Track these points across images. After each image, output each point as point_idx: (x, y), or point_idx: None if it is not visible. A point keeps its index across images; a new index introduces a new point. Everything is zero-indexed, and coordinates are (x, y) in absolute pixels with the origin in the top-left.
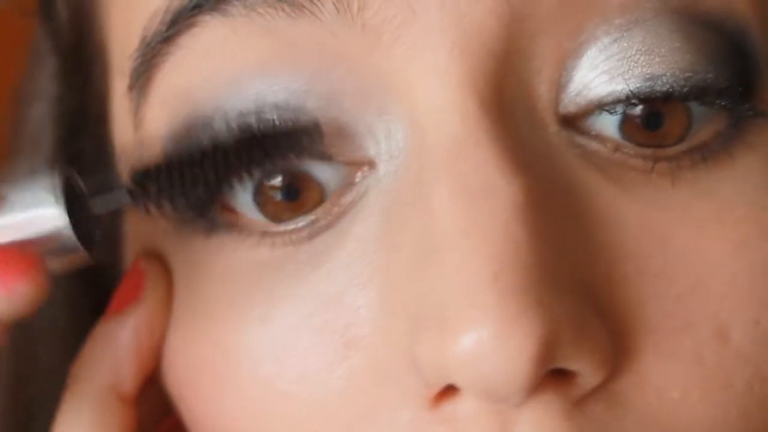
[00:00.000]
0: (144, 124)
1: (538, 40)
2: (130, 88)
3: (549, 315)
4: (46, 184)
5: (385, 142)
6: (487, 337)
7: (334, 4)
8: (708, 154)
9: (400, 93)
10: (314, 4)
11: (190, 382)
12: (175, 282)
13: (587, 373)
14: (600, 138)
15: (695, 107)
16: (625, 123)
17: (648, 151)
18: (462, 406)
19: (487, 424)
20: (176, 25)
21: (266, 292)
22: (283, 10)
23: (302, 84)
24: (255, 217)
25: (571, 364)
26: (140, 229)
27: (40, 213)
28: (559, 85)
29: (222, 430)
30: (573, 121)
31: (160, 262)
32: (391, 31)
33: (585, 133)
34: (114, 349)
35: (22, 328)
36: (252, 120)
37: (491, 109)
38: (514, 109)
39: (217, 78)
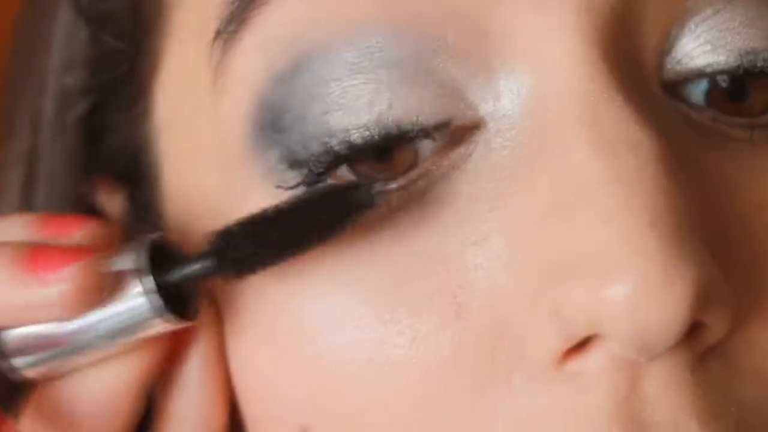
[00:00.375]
0: (230, 72)
1: (648, 4)
2: (218, 35)
3: (704, 263)
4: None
5: (496, 100)
6: (652, 280)
7: None
8: None
9: (522, 48)
10: None
11: (282, 361)
12: None
13: (717, 327)
14: (697, 108)
15: None
16: (712, 95)
17: (743, 120)
18: (591, 362)
19: (616, 378)
20: None
21: (366, 252)
22: None
23: (415, 40)
24: (346, 175)
25: (711, 317)
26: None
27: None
28: (663, 51)
29: (313, 409)
30: (673, 89)
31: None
32: None
33: (683, 101)
34: (189, 394)
35: None
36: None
37: (616, 68)
38: (629, 71)
39: (328, 25)
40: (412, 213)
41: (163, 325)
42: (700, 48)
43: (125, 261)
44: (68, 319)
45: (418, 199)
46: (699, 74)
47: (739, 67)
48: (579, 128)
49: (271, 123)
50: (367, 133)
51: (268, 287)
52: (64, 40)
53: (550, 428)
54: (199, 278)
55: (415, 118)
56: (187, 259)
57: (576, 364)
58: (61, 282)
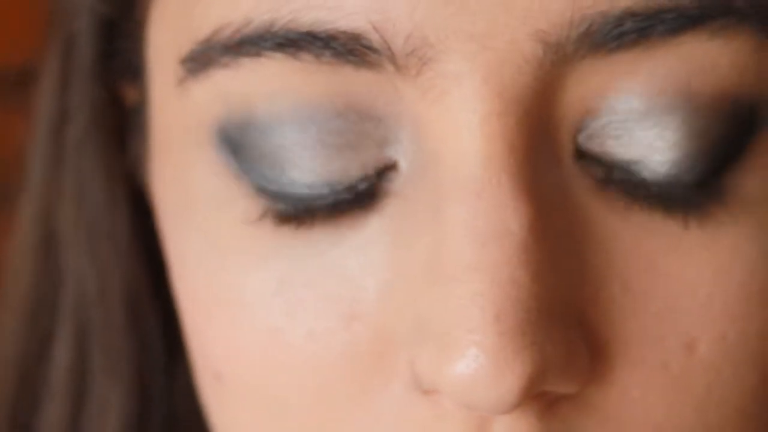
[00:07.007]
0: (189, 94)
1: (565, 95)
2: (183, 61)
3: (541, 354)
4: None
5: (413, 156)
6: (482, 371)
7: (394, 64)
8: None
9: (436, 138)
10: (380, 64)
11: (204, 312)
12: (197, 211)
13: (564, 388)
14: (602, 166)
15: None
16: None
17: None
18: (446, 401)
19: (467, 417)
20: (243, 48)
21: (286, 254)
22: (349, 63)
23: (354, 112)
24: None
25: (553, 389)
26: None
27: None
28: (577, 131)
29: (226, 362)
30: (586, 153)
31: None
32: (437, 92)
33: (595, 162)
34: None
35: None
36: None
37: (517, 153)
38: (537, 150)
39: (277, 103)
40: (335, 228)
41: None
42: (608, 143)
43: None
44: None
45: (343, 216)
46: (605, 162)
47: (630, 175)
48: (460, 210)
49: (233, 150)
50: (326, 190)
51: (201, 250)
52: None
53: None
54: None
55: (363, 175)
56: None
57: (436, 396)
58: None
